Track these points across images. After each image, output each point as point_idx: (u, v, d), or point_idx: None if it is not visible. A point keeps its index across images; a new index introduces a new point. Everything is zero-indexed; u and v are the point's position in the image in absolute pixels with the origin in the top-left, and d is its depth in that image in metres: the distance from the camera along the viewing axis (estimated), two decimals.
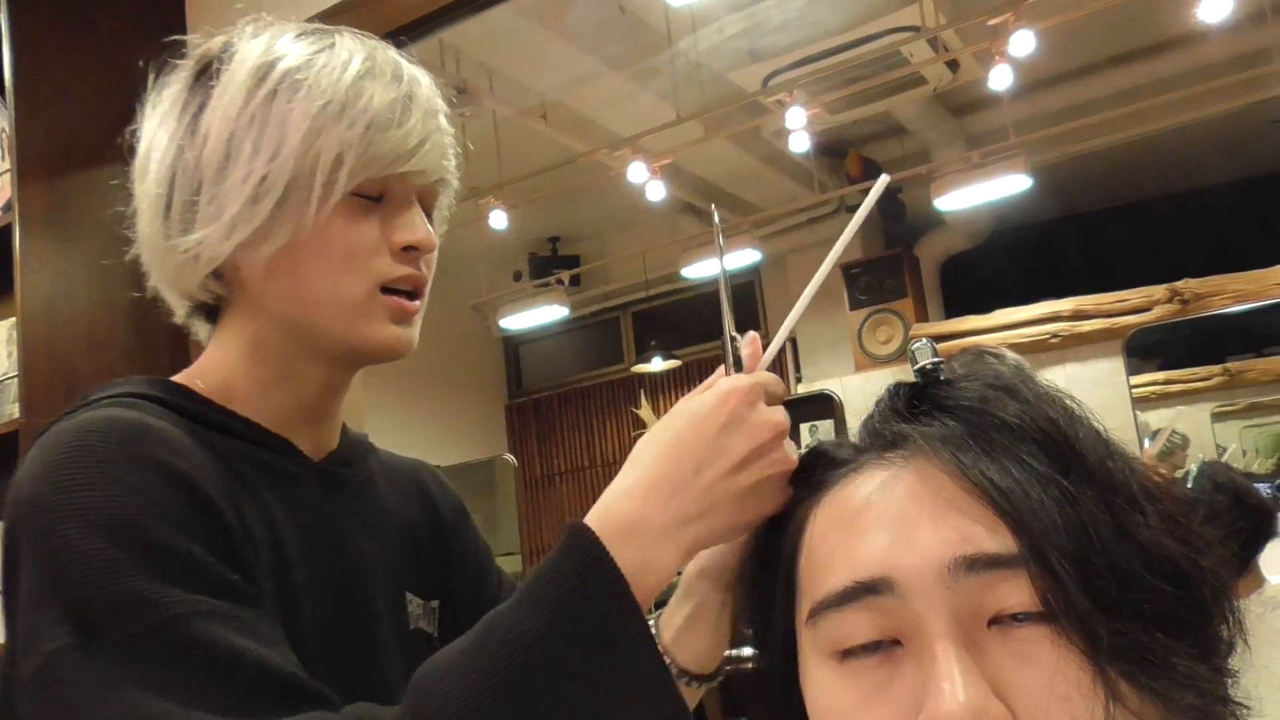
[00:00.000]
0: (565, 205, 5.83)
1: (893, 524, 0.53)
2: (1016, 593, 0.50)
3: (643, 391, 6.38)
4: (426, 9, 1.84)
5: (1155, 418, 4.67)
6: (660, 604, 0.83)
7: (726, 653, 0.84)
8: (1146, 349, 4.82)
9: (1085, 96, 4.99)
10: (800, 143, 4.53)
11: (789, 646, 0.59)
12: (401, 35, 1.93)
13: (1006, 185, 4.33)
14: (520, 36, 4.10)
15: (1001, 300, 5.36)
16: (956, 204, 4.69)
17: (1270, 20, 3.89)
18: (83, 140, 2.16)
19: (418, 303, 0.87)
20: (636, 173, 4.56)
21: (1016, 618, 0.50)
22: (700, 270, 5.13)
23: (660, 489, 0.68)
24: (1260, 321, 4.53)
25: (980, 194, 4.45)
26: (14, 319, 2.07)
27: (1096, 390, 4.89)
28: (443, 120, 0.88)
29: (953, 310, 6.05)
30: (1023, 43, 3.73)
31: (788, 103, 4.27)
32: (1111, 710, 0.47)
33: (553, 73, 4.51)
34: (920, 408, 0.58)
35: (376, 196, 0.84)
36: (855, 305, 5.95)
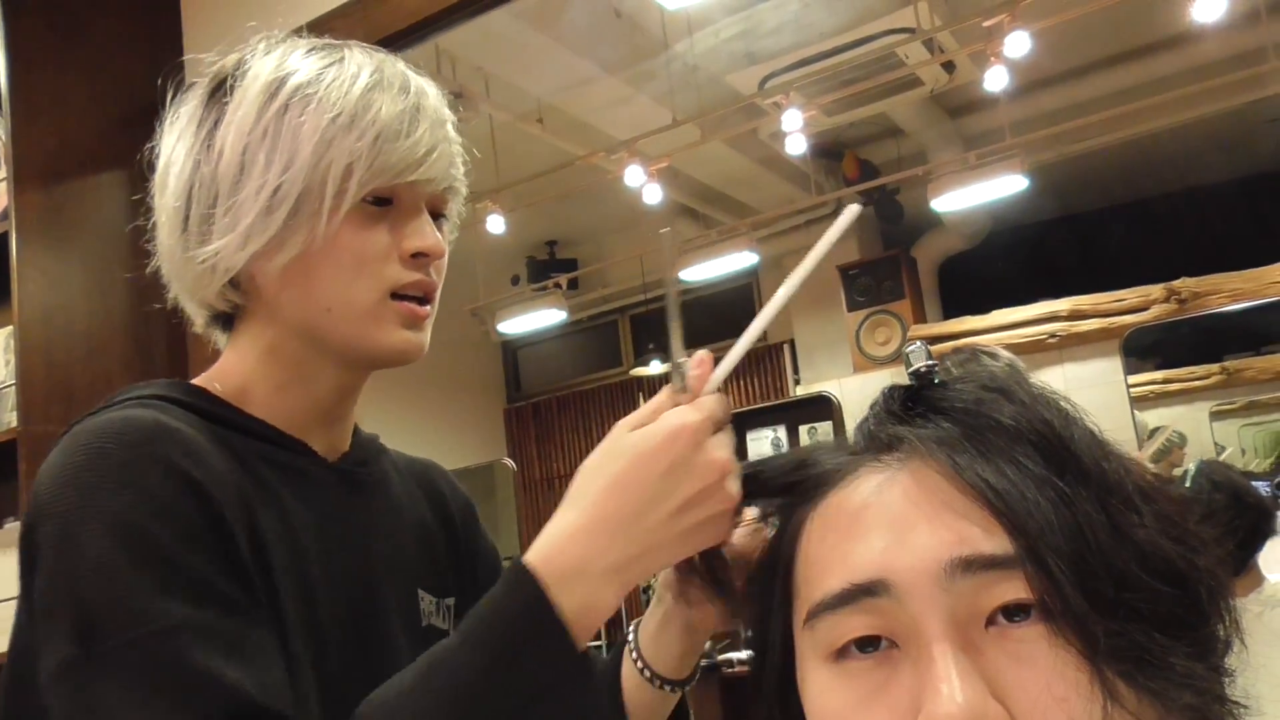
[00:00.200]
0: (562, 209, 5.83)
1: (889, 526, 0.53)
2: (1013, 594, 0.50)
3: (641, 395, 6.38)
4: (421, 15, 1.85)
5: (1154, 417, 4.68)
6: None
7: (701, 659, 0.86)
8: (1144, 348, 4.83)
9: (1081, 97, 4.99)
10: (797, 145, 4.54)
11: (787, 650, 0.59)
12: (396, 41, 1.93)
13: (1003, 186, 4.33)
14: (515, 41, 4.10)
15: (999, 301, 5.37)
16: (953, 205, 4.69)
17: (1266, 19, 3.89)
18: (79, 147, 2.16)
19: (428, 308, 0.89)
20: (633, 176, 4.56)
21: (1013, 619, 0.50)
22: (699, 273, 5.13)
23: (603, 530, 0.69)
24: (1258, 320, 4.54)
25: (977, 195, 4.45)
26: (11, 327, 2.07)
27: (1095, 390, 4.90)
28: (450, 129, 0.91)
29: (951, 311, 6.05)
30: (1018, 44, 3.73)
31: (784, 105, 4.28)
32: (1109, 710, 0.47)
33: (548, 77, 4.51)
34: (915, 410, 0.58)
35: (386, 203, 0.86)
36: (853, 307, 5.96)
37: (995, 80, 4.00)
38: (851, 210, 0.75)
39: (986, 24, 3.77)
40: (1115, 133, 4.67)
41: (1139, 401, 4.71)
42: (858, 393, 5.73)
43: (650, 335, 6.84)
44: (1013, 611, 0.50)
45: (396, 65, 0.89)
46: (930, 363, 0.59)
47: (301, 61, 0.85)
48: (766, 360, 6.52)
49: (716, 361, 0.73)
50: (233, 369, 0.90)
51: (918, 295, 6.02)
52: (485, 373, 7.60)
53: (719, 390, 0.73)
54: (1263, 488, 3.84)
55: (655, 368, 6.35)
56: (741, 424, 6.17)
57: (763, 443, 6.07)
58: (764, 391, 6.50)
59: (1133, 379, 4.77)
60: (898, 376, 0.62)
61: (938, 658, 0.49)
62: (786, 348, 6.42)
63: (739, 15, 4.17)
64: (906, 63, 4.40)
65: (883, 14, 4.15)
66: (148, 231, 0.91)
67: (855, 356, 5.93)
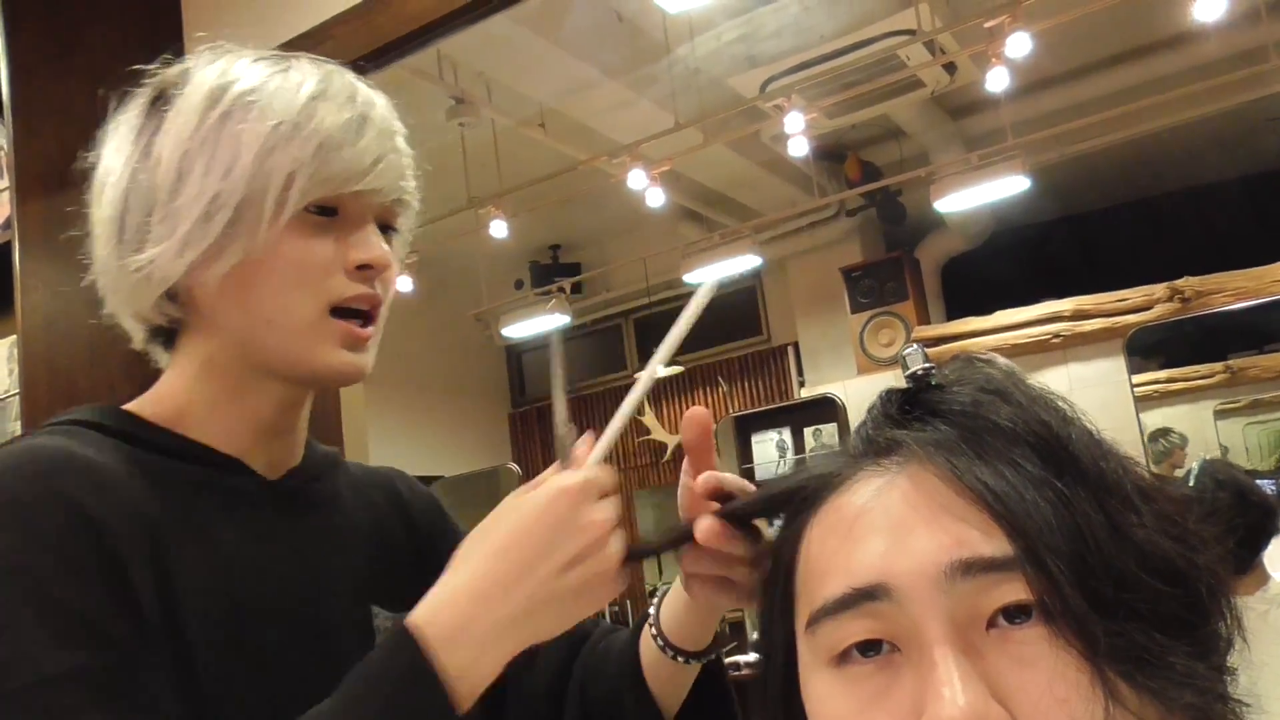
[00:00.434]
0: (565, 213, 5.84)
1: (888, 530, 0.53)
2: (1013, 595, 0.50)
3: (647, 399, 6.37)
4: (423, 20, 1.85)
5: (1158, 416, 4.67)
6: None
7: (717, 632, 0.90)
8: (1148, 348, 4.83)
9: (1082, 97, 4.99)
10: (799, 147, 4.55)
11: (790, 655, 0.59)
12: (398, 46, 1.93)
13: (1006, 186, 4.34)
14: (517, 46, 4.11)
15: (1003, 301, 5.37)
16: (956, 206, 4.70)
17: (1266, 18, 3.89)
18: (81, 157, 2.17)
19: (370, 329, 0.87)
20: (636, 180, 4.56)
21: (1014, 621, 0.50)
22: (702, 276, 5.13)
23: (489, 590, 0.70)
24: (1261, 318, 4.53)
25: (979, 195, 4.46)
26: (14, 336, 2.07)
27: (1099, 390, 4.90)
28: (400, 141, 0.88)
29: (954, 312, 6.05)
30: (1019, 44, 3.73)
31: (786, 108, 4.28)
32: (1111, 711, 0.47)
33: (550, 81, 4.52)
34: (913, 413, 0.58)
35: (331, 213, 0.84)
36: (856, 309, 5.96)
37: (997, 81, 4.01)
38: (709, 285, 0.77)
39: (987, 25, 3.78)
40: (1117, 132, 4.67)
41: (1143, 401, 4.71)
42: (862, 394, 5.73)
43: (654, 338, 6.81)
44: (1013, 613, 0.50)
45: (345, 76, 0.87)
46: (927, 365, 0.59)
47: (246, 70, 0.84)
48: (771, 363, 6.52)
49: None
50: (169, 390, 0.88)
51: (921, 296, 6.03)
52: (489, 378, 7.61)
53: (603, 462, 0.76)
54: (1267, 486, 3.83)
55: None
56: (746, 426, 6.23)
57: (767, 445, 6.06)
58: (769, 394, 6.50)
59: (1137, 378, 4.76)
60: (902, 378, 0.62)
61: (939, 661, 0.49)
62: (791, 350, 6.42)
63: (740, 18, 4.17)
64: (908, 64, 4.41)
65: (884, 16, 4.15)
66: (81, 245, 0.89)
67: (859, 358, 5.93)
